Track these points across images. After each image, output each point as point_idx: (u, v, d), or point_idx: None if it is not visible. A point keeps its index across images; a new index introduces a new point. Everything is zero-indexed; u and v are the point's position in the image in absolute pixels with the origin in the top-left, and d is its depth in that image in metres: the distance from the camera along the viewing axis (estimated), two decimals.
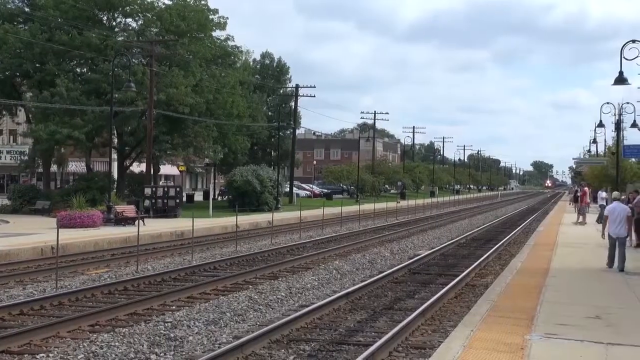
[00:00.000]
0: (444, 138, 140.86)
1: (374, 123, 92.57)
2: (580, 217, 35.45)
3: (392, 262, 22.32)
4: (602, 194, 36.66)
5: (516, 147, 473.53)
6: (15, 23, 43.84)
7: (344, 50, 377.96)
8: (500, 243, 27.66)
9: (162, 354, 10.46)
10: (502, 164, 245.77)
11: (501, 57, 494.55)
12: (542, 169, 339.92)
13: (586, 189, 39.05)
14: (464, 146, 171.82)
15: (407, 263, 20.80)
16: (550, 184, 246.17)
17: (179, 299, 14.76)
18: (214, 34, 48.84)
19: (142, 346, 10.78)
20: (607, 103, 48.69)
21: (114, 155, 45.90)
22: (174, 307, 13.93)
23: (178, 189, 41.56)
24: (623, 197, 20.10)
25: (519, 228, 37.24)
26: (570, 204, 58.33)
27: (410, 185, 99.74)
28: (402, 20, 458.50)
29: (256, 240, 28.88)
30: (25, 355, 10.17)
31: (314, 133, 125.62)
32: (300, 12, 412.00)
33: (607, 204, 34.56)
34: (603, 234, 17.49)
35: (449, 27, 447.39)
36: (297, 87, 67.01)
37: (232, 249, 25.02)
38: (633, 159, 52.27)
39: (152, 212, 37.31)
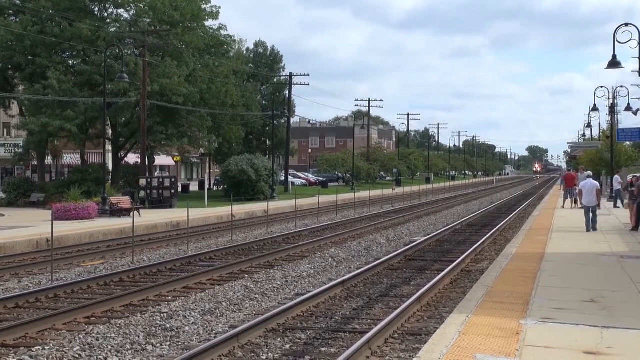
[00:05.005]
0: (438, 124, 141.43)
1: (369, 110, 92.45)
2: (574, 201, 35.36)
3: (388, 249, 22.32)
4: (618, 179, 36.66)
5: (511, 133, 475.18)
6: (6, 16, 43.63)
7: (340, 38, 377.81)
8: (496, 228, 27.67)
9: (158, 345, 10.44)
10: (497, 150, 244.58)
11: (496, 42, 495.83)
12: (537, 154, 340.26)
13: (578, 173, 38.94)
14: (459, 132, 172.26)
15: (402, 250, 20.80)
16: (539, 168, 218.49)
17: (175, 289, 14.76)
18: (206, 23, 48.73)
19: (138, 337, 10.77)
20: (601, 87, 48.83)
21: (108, 147, 45.82)
22: (170, 298, 13.92)
23: (173, 180, 41.47)
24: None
25: (514, 213, 37.28)
26: (560, 188, 58.40)
27: (406, 172, 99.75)
28: (399, 6, 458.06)
29: (252, 230, 28.85)
30: (21, 348, 10.13)
31: (309, 121, 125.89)
32: (298, 1, 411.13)
33: (621, 187, 34.98)
34: (580, 204, 23.26)
35: (445, 14, 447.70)
36: (290, 75, 66.87)
37: (228, 239, 25.01)
38: (627, 143, 52.29)
39: (147, 203, 37.26)
